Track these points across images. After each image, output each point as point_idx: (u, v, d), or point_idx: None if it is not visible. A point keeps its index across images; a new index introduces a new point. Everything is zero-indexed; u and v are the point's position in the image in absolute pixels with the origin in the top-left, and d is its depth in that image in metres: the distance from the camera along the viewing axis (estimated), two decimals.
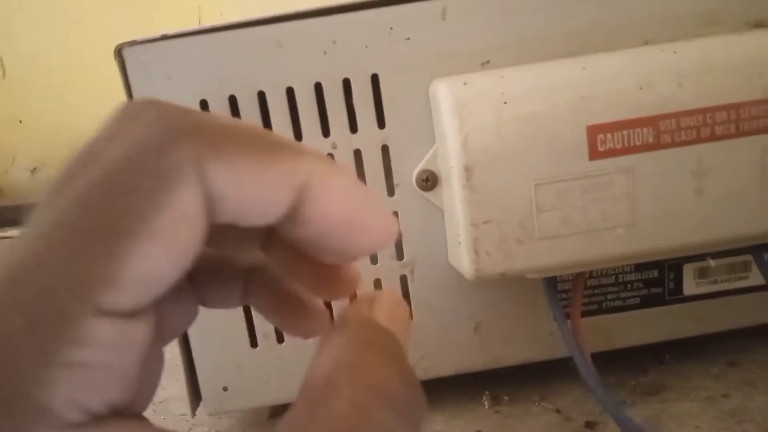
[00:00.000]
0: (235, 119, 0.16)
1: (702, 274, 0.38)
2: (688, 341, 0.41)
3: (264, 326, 0.37)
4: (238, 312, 0.36)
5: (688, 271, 0.38)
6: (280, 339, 0.37)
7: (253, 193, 0.15)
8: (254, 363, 0.37)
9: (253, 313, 0.36)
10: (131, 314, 0.13)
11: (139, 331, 0.14)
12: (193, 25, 0.33)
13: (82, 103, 1.34)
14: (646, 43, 0.33)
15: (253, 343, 0.37)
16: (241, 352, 0.37)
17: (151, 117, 0.15)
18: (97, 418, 0.13)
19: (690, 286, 0.38)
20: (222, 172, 0.14)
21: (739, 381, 0.39)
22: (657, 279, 0.38)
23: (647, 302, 0.38)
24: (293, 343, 0.37)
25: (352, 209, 0.16)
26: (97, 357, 0.13)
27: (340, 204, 0.16)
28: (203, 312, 0.36)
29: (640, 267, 0.38)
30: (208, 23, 0.34)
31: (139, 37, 0.33)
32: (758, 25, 0.34)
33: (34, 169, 1.40)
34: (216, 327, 0.36)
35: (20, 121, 1.38)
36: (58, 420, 0.12)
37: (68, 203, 0.14)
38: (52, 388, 0.12)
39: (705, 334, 0.40)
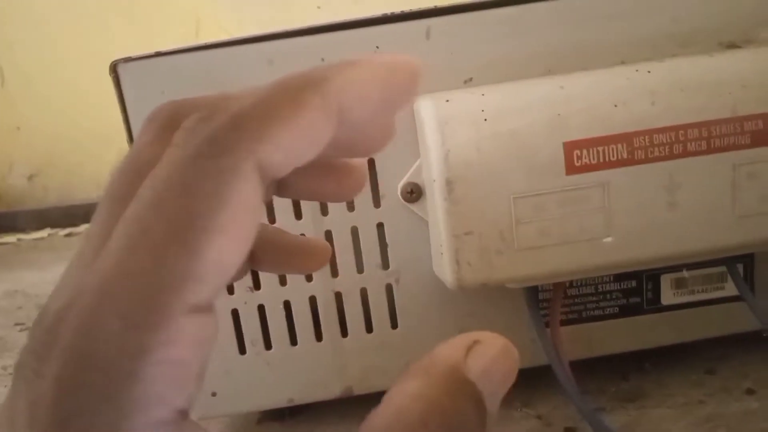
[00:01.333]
0: (253, 91, 0.16)
1: (679, 284, 0.39)
2: (669, 349, 0.42)
3: (252, 333, 0.38)
4: (227, 319, 0.37)
5: (666, 281, 0.39)
6: (267, 345, 0.38)
7: (302, 145, 0.16)
8: (242, 369, 0.38)
9: (242, 319, 0.38)
10: (207, 308, 0.15)
11: (211, 326, 0.15)
12: (191, 37, 0.34)
13: (80, 112, 1.35)
14: (622, 63, 0.34)
15: (242, 350, 0.38)
16: (229, 358, 0.38)
17: (192, 126, 0.16)
18: (179, 413, 0.14)
19: (668, 296, 0.39)
20: (270, 150, 0.15)
21: (715, 388, 0.40)
22: (635, 289, 0.39)
23: (626, 311, 0.39)
24: (281, 349, 0.38)
25: (373, 111, 0.17)
26: (183, 353, 0.14)
27: (365, 109, 0.17)
28: None
29: (619, 277, 0.39)
30: (205, 35, 0.35)
31: (136, 48, 0.35)
32: (731, 45, 0.35)
33: (31, 176, 1.41)
34: None
35: (18, 128, 1.39)
36: (148, 415, 0.14)
37: (139, 211, 0.15)
38: (146, 384, 0.13)
39: (685, 343, 0.42)
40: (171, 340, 0.14)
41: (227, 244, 0.15)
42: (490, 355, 0.16)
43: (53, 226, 1.29)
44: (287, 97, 0.16)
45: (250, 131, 0.15)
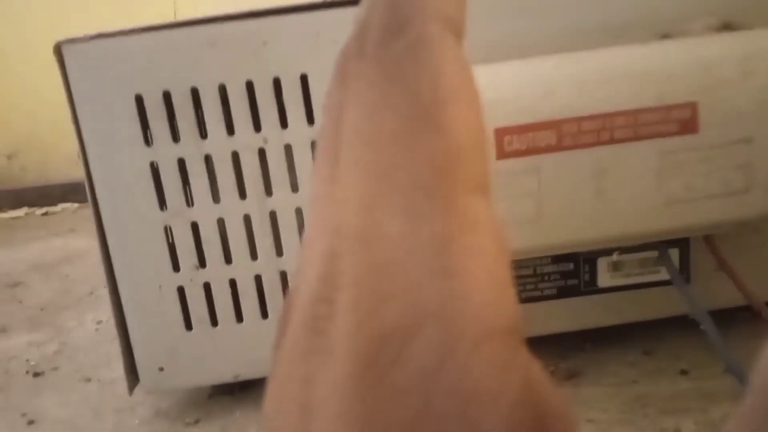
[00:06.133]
0: None
1: (615, 267, 0.40)
2: (610, 331, 0.43)
3: (198, 310, 0.39)
4: (173, 296, 0.38)
5: (602, 264, 0.40)
6: (213, 322, 0.39)
7: None
8: (189, 345, 0.39)
9: (188, 297, 0.38)
10: None
11: None
12: (169, 14, 0.34)
13: (58, 92, 1.35)
14: (557, 53, 0.35)
15: (188, 326, 0.39)
16: (176, 335, 0.39)
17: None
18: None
19: (604, 279, 0.40)
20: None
21: (650, 369, 0.42)
22: (573, 271, 0.40)
23: (564, 293, 0.40)
24: (227, 326, 0.39)
25: None
26: None
27: None
28: (139, 294, 0.38)
29: (557, 259, 0.40)
30: (182, 13, 0.35)
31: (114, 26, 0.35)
32: (665, 37, 0.36)
33: (10, 155, 1.41)
34: (151, 311, 0.38)
35: None
36: None
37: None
38: None
39: (625, 324, 0.43)
40: None
41: None
42: None
43: (30, 205, 1.29)
44: None
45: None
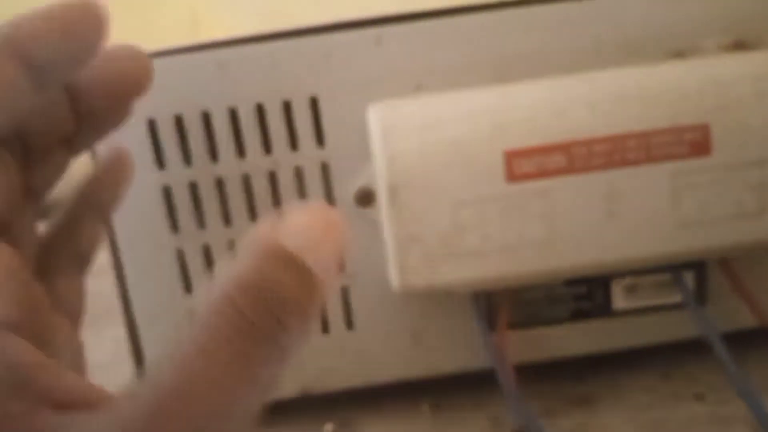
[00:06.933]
0: None
1: (630, 289, 0.40)
2: (627, 354, 0.42)
3: None
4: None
5: (617, 286, 0.39)
6: None
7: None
8: None
9: None
10: None
11: None
12: (187, 28, 0.35)
13: None
14: (570, 71, 0.35)
15: None
16: None
17: None
18: None
19: (618, 301, 0.40)
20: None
21: (667, 393, 0.41)
22: (586, 294, 0.40)
23: (577, 316, 0.40)
24: None
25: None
26: None
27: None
28: (153, 315, 0.38)
29: (570, 282, 0.39)
30: (202, 27, 0.36)
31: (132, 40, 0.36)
32: (678, 55, 0.36)
33: None
34: (165, 331, 0.38)
35: None
36: None
37: None
38: None
39: (643, 347, 0.42)
40: None
41: None
42: (300, 218, 0.16)
43: None
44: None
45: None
